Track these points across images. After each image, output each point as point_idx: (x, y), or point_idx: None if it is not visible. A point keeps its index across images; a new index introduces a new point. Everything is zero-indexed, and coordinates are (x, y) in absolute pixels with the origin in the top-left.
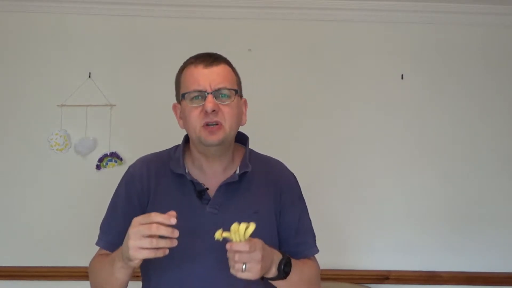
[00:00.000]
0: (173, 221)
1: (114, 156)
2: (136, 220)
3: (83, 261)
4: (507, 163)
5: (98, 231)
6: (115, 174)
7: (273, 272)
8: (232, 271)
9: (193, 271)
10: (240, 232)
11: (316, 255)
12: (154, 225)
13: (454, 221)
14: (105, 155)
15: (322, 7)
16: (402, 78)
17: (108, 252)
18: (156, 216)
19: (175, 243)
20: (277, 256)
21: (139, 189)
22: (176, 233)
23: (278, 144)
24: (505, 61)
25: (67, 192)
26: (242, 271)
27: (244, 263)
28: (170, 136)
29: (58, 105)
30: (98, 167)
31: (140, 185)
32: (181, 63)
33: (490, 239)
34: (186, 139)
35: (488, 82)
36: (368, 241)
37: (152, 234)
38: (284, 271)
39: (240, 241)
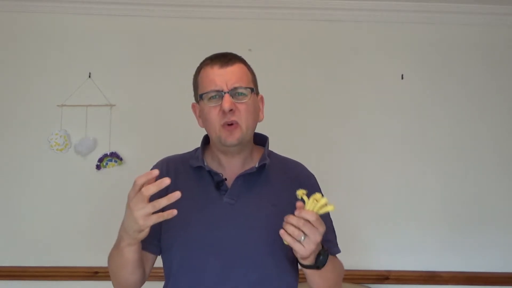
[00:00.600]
0: (156, 172)
1: (114, 156)
2: (129, 195)
3: (83, 261)
4: (507, 163)
5: (98, 231)
6: (115, 174)
7: (310, 259)
8: (285, 237)
9: (209, 261)
10: (320, 202)
11: None
12: (143, 189)
13: (454, 221)
14: (105, 155)
15: (322, 7)
16: (402, 78)
17: None
18: (139, 179)
19: (177, 195)
20: (318, 247)
21: None
22: (167, 181)
23: (278, 144)
24: (505, 61)
25: (67, 192)
26: (299, 240)
27: (305, 235)
28: (170, 136)
29: (58, 105)
30: (98, 167)
31: None
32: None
33: (490, 239)
34: (205, 140)
35: (488, 82)
36: (368, 241)
37: (147, 197)
38: (321, 261)
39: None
